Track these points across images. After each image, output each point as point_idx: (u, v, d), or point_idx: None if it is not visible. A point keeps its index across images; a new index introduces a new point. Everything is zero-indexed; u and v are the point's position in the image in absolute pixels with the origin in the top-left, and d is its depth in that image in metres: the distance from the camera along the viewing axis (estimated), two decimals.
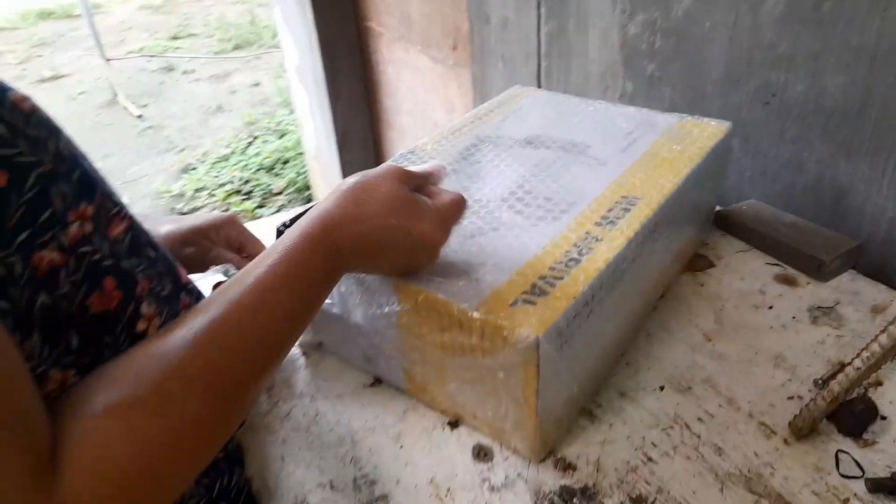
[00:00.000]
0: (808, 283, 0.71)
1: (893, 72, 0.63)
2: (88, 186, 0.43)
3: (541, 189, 0.63)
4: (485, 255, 0.54)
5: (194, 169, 3.15)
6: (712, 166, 0.70)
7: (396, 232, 0.47)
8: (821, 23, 0.67)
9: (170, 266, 0.50)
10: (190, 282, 0.53)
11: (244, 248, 0.67)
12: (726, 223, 0.79)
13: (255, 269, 0.43)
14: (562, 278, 0.51)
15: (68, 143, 0.42)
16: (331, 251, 0.45)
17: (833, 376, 0.57)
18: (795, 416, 0.53)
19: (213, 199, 2.88)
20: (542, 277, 0.51)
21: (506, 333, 0.46)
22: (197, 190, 2.95)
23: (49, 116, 0.42)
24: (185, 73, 4.47)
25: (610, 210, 0.59)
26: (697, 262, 0.75)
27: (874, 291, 0.69)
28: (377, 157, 2.19)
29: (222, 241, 0.66)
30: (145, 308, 0.44)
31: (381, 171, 0.50)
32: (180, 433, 0.37)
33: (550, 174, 0.65)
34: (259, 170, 3.05)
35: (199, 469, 0.40)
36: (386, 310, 0.53)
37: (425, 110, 1.76)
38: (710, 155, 0.67)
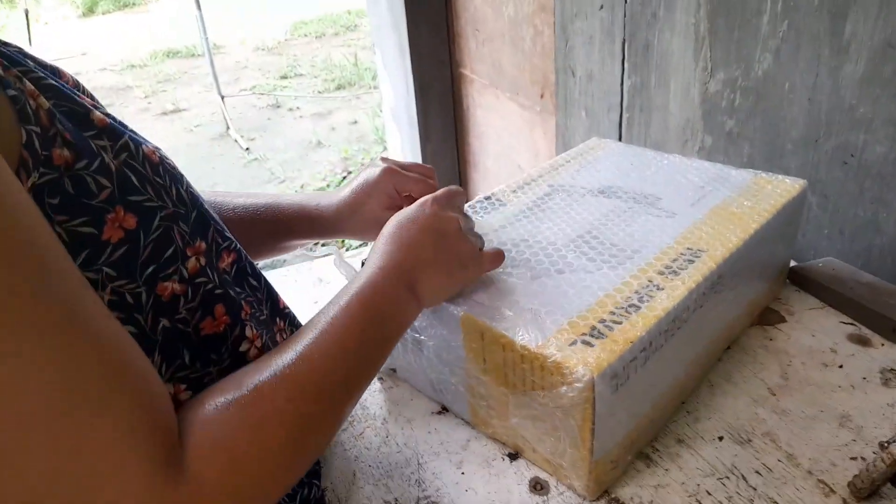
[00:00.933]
0: (883, 345, 0.70)
1: None
2: (203, 225, 0.49)
3: (608, 235, 0.66)
4: (549, 295, 0.58)
5: None
6: (784, 223, 0.71)
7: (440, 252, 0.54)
8: None
9: (269, 292, 0.57)
10: (286, 307, 0.60)
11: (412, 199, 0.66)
12: (801, 279, 0.79)
13: (340, 297, 0.49)
14: (621, 323, 0.54)
15: (189, 188, 0.49)
16: (405, 284, 0.51)
17: None
18: (855, 477, 0.53)
19: None
20: (602, 321, 0.54)
21: (564, 371, 0.50)
22: None
23: (173, 165, 0.49)
24: (290, 110, 4.77)
25: (674, 260, 0.61)
26: (768, 317, 0.76)
27: None
28: None
29: (384, 200, 0.68)
30: (248, 331, 0.51)
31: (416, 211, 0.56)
32: (296, 428, 0.41)
33: (619, 222, 0.69)
34: None
35: (308, 465, 0.44)
36: (453, 344, 0.58)
37: (510, 154, 1.82)
38: (782, 212, 0.69)
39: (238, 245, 0.54)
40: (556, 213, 0.72)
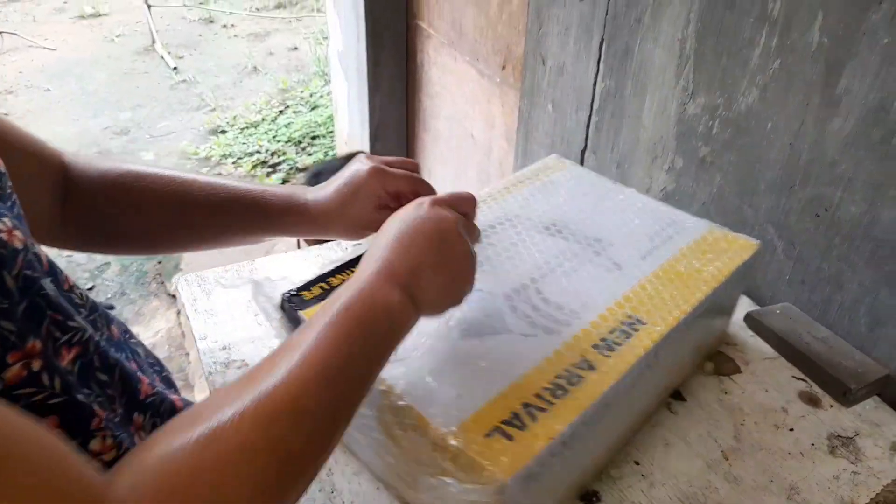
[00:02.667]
0: (832, 406, 0.71)
1: None
2: (36, 317, 0.40)
3: (551, 290, 0.62)
4: (477, 363, 0.54)
5: (223, 132, 3.15)
6: (733, 285, 0.68)
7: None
8: (886, 156, 0.66)
9: (125, 382, 0.49)
10: (153, 393, 0.52)
11: (401, 196, 0.64)
12: (758, 326, 0.79)
13: (327, 307, 0.44)
14: (545, 410, 0.50)
15: (22, 270, 0.39)
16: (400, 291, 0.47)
17: None
18: None
19: (239, 168, 2.89)
20: (526, 405, 0.50)
21: (476, 468, 0.46)
22: (224, 156, 2.95)
23: (4, 241, 0.39)
24: (224, 27, 4.44)
25: (611, 332, 0.58)
26: (724, 365, 0.75)
27: None
28: (408, 155, 2.19)
29: (373, 200, 0.64)
30: (96, 444, 0.42)
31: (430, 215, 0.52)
32: (270, 464, 0.35)
33: (563, 272, 0.65)
34: (288, 142, 3.04)
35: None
36: (368, 412, 0.54)
37: (464, 121, 1.74)
38: (732, 277, 0.67)
39: (87, 333, 0.45)
40: (501, 252, 0.67)
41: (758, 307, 0.83)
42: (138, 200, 0.61)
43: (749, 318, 0.80)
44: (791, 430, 0.68)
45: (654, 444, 0.65)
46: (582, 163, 1.12)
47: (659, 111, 0.93)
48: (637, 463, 0.63)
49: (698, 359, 0.73)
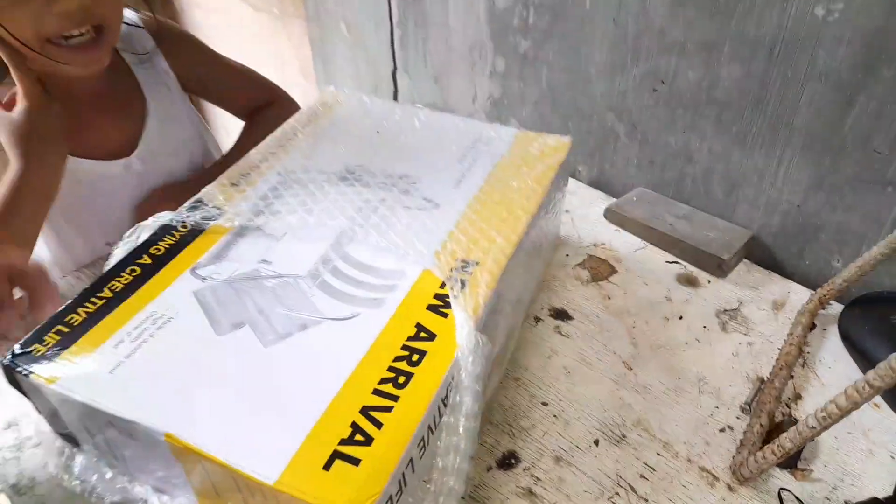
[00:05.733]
0: (710, 282, 0.69)
1: (791, 66, 0.59)
2: None
3: (362, 252, 0.51)
4: (292, 372, 0.42)
5: None
6: (554, 192, 0.61)
7: None
8: (716, 10, 0.62)
9: None
10: None
11: None
12: (619, 219, 0.75)
13: None
14: (390, 408, 0.39)
15: None
16: None
17: (755, 397, 0.56)
18: (741, 465, 0.51)
19: None
20: (366, 410, 0.39)
21: None
22: None
23: None
24: None
25: (443, 285, 0.48)
26: (599, 269, 0.70)
27: (770, 283, 0.69)
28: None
29: None
30: None
31: None
32: None
33: (374, 225, 0.53)
34: None
35: None
36: (175, 481, 0.41)
37: (258, 60, 1.53)
38: (552, 186, 0.60)
39: None
40: (290, 222, 0.54)
41: (614, 199, 0.78)
42: None
43: (609, 213, 0.76)
44: (681, 317, 0.65)
45: (556, 377, 0.59)
46: (395, 86, 1.00)
47: (466, 9, 0.83)
48: (545, 404, 0.57)
49: (542, 264, 0.67)
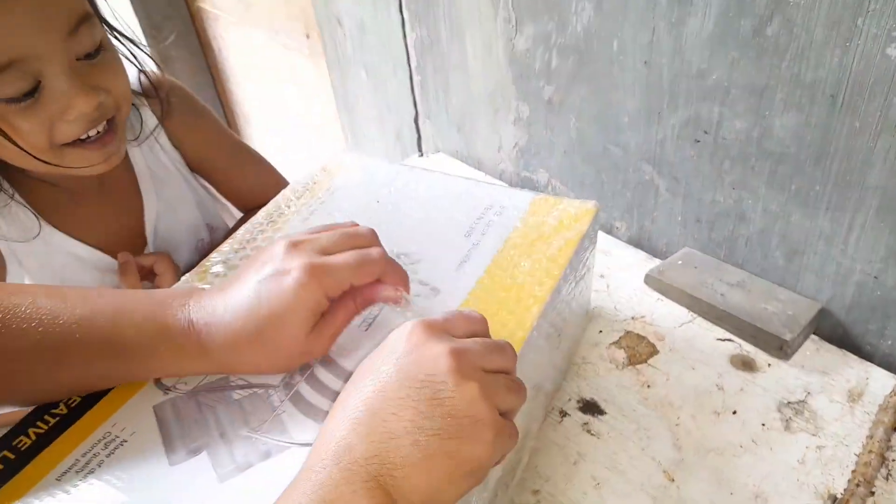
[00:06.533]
0: (769, 365, 0.59)
1: (859, 115, 0.49)
2: None
3: (343, 356, 0.44)
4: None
5: None
6: (577, 266, 0.53)
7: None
8: (763, 51, 0.52)
9: None
10: None
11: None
12: (661, 286, 0.65)
13: None
14: None
15: None
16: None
17: None
18: None
19: None
20: None
21: None
22: None
23: None
24: None
25: None
26: (638, 349, 0.61)
27: (844, 367, 0.58)
28: None
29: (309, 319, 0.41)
30: None
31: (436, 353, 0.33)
32: None
33: (366, 320, 0.46)
34: None
35: None
36: None
37: (286, 101, 1.51)
38: (573, 261, 0.51)
39: None
40: None
41: (656, 261, 0.69)
42: None
43: (650, 279, 0.66)
44: (734, 412, 0.55)
45: (584, 490, 0.50)
46: (418, 132, 0.94)
47: (485, 53, 0.75)
48: None
49: (568, 346, 0.58)
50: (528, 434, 0.51)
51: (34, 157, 0.57)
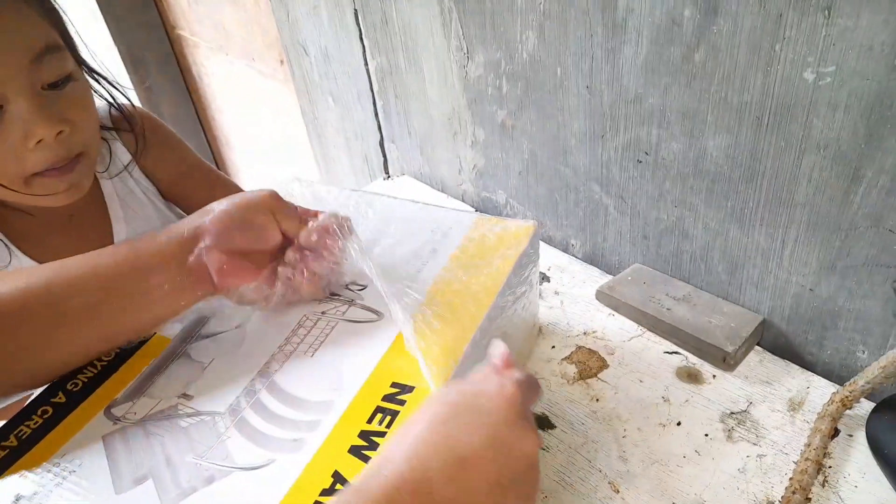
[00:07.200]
0: (714, 377, 0.60)
1: (784, 136, 0.52)
2: None
3: (288, 381, 0.46)
4: None
5: None
6: (517, 286, 0.54)
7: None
8: (693, 76, 0.54)
9: None
10: None
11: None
12: (612, 301, 0.67)
13: None
14: None
15: None
16: None
17: None
18: None
19: None
20: None
21: None
22: None
23: None
24: None
25: (371, 419, 0.42)
26: (588, 363, 0.63)
27: (786, 376, 0.60)
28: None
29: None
30: None
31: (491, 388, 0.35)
32: None
33: (306, 344, 0.48)
34: None
35: None
36: None
37: (264, 124, 1.53)
38: (510, 280, 0.52)
39: None
40: (213, 347, 0.50)
41: (609, 276, 0.71)
42: None
43: (601, 295, 0.68)
44: (679, 423, 0.57)
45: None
46: (384, 155, 0.96)
47: (441, 80, 0.78)
48: None
49: (520, 360, 0.60)
50: None
51: (6, 188, 0.58)
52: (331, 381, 0.45)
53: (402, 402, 0.43)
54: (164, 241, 0.47)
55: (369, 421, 0.42)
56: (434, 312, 0.49)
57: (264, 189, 0.50)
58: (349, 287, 0.54)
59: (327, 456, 0.40)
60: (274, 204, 0.49)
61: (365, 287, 0.53)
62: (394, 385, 0.44)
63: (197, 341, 0.51)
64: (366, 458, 0.40)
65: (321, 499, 0.38)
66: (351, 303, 0.52)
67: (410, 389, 0.44)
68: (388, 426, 0.41)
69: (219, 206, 0.49)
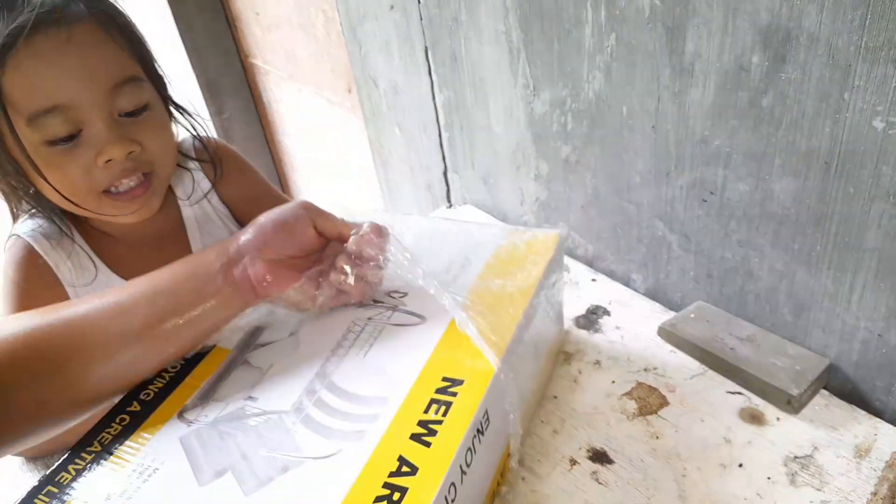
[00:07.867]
0: (778, 419, 0.60)
1: (853, 182, 0.52)
2: None
3: (344, 381, 0.49)
4: None
5: None
6: (545, 293, 0.58)
7: None
8: (760, 120, 0.55)
9: None
10: None
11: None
12: (674, 339, 0.68)
13: None
14: None
15: None
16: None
17: None
18: None
19: None
20: None
21: None
22: None
23: None
24: None
25: (427, 409, 0.45)
26: (648, 400, 0.63)
27: (852, 422, 0.59)
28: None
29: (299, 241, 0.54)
30: None
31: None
32: None
33: (359, 348, 0.52)
34: None
35: None
36: None
37: (330, 150, 1.59)
38: (541, 286, 0.56)
39: None
40: (275, 351, 0.54)
41: (671, 313, 0.71)
42: None
43: (663, 331, 0.69)
44: (741, 465, 0.57)
45: None
46: (447, 185, 0.99)
47: (507, 115, 0.80)
48: None
49: (546, 372, 0.65)
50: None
51: (74, 203, 0.64)
52: (384, 379, 0.49)
53: (454, 394, 0.46)
54: (213, 259, 0.51)
55: (426, 411, 0.45)
56: (476, 311, 0.52)
57: (298, 199, 0.55)
58: (391, 294, 0.57)
59: (391, 442, 0.43)
60: (307, 205, 0.53)
61: (406, 294, 0.56)
62: (444, 379, 0.47)
63: (254, 350, 0.54)
64: (427, 444, 0.43)
65: (390, 480, 0.41)
66: (395, 308, 0.55)
67: (460, 382, 0.47)
68: (444, 415, 0.44)
69: (259, 220, 0.53)
